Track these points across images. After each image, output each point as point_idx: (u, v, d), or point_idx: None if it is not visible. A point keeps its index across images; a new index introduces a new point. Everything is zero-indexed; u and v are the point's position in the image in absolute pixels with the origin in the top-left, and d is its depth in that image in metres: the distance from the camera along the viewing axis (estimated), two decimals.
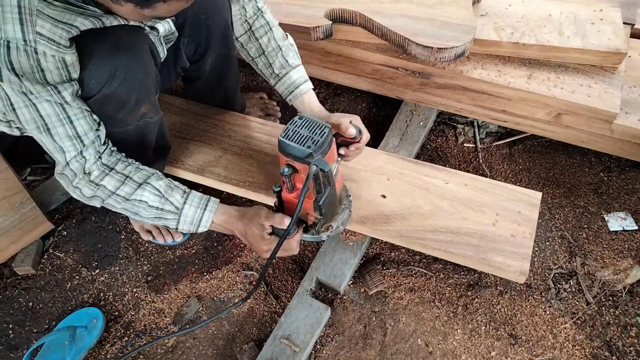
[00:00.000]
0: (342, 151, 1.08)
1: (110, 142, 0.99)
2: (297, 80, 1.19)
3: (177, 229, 1.03)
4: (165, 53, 1.13)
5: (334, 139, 0.98)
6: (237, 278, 1.29)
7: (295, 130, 0.92)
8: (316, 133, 0.92)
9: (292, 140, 0.91)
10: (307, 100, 1.19)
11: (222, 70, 1.32)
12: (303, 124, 0.93)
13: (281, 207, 1.03)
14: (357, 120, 1.11)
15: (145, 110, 1.02)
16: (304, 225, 1.06)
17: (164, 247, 1.37)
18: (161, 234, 1.34)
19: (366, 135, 1.11)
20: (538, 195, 1.19)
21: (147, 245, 1.37)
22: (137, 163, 1.02)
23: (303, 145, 0.90)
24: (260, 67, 1.24)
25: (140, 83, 0.97)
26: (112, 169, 0.97)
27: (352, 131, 1.06)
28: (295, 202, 0.97)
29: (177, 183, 1.04)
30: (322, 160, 0.91)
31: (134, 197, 0.98)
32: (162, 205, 1.00)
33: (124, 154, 1.01)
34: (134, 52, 0.95)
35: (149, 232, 1.35)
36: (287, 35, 1.23)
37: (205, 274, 1.31)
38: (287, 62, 1.19)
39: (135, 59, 0.95)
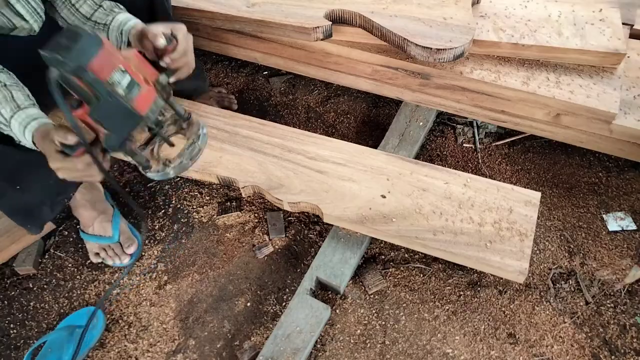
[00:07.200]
0: (163, 64, 0.99)
1: None
2: (124, 20, 1.09)
3: (18, 141, 0.98)
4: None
5: (108, 48, 0.87)
6: (236, 273, 1.30)
7: (56, 41, 0.84)
8: (74, 40, 0.84)
9: (50, 51, 0.83)
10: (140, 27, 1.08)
11: None
12: (64, 33, 0.85)
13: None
14: (178, 29, 1.00)
15: None
16: (99, 143, 0.94)
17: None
18: (108, 255, 1.32)
19: (182, 45, 0.99)
20: (537, 195, 1.20)
21: (146, 244, 1.38)
22: None
23: (58, 54, 0.82)
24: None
25: None
26: None
27: (160, 42, 0.97)
28: (83, 118, 0.89)
29: (17, 95, 0.97)
30: (82, 68, 0.83)
31: None
32: None
33: None
34: None
35: (97, 254, 1.33)
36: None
37: (203, 273, 1.31)
38: (111, 11, 1.10)
39: None
